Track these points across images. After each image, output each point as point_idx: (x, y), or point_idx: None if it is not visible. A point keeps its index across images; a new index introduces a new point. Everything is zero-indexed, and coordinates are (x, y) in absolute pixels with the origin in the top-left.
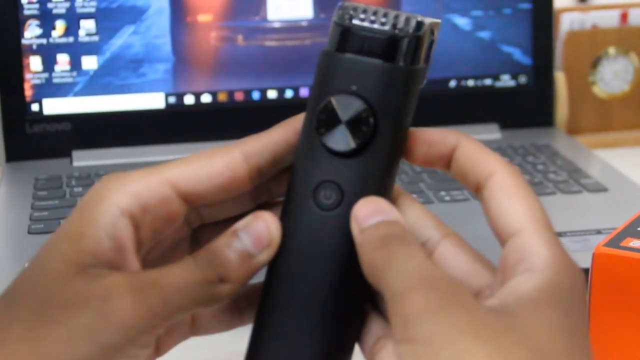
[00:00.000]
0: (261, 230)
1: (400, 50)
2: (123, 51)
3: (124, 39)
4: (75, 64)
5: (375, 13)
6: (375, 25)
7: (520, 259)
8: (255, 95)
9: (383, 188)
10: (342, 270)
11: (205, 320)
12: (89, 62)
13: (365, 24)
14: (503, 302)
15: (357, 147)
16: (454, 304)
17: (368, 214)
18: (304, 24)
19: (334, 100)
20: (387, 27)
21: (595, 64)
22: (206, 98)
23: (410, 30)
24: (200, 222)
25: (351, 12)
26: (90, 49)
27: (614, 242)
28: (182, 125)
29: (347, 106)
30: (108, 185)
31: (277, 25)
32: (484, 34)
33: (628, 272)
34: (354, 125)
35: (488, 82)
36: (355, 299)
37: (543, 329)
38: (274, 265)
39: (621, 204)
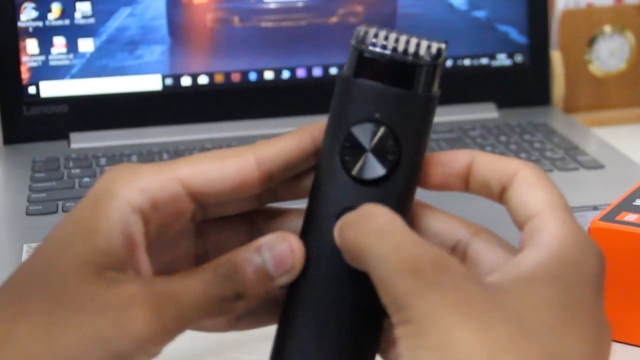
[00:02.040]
0: (285, 253)
1: (421, 78)
2: (119, 33)
3: (120, 21)
4: (72, 47)
5: (393, 38)
6: (395, 52)
7: (531, 236)
8: (252, 77)
9: (404, 211)
10: (365, 293)
11: (203, 322)
12: (86, 45)
13: (385, 50)
14: (502, 277)
15: (385, 174)
16: (441, 283)
17: (344, 217)
18: (300, 4)
19: (358, 129)
20: (407, 55)
21: (591, 42)
22: (203, 79)
23: (430, 58)
24: (204, 216)
25: (369, 36)
26: (87, 31)
27: (610, 217)
28: (179, 107)
29: (372, 134)
30: (118, 179)
31: (273, 6)
32: (480, 14)
33: (624, 246)
34: (380, 153)
35: (484, 61)
36: (377, 317)
37: (533, 305)
38: (296, 286)
39: (617, 181)
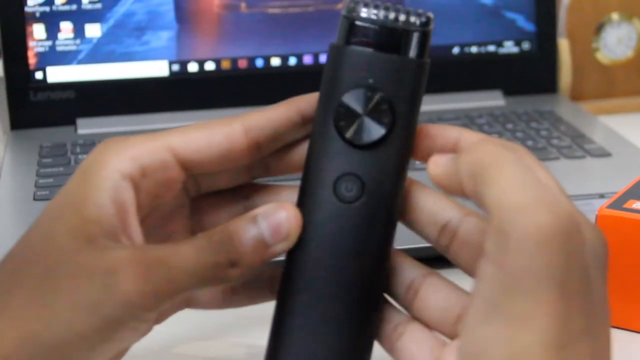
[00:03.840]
0: (281, 221)
1: (413, 44)
2: (126, 19)
3: (127, 6)
4: (79, 32)
5: (383, 7)
6: (386, 20)
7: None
8: (259, 63)
9: (401, 179)
10: (364, 261)
11: (199, 297)
12: (93, 30)
13: (375, 18)
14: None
15: (382, 137)
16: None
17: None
18: None
19: (352, 94)
20: (398, 22)
21: (598, 30)
22: (210, 66)
23: (420, 25)
24: (198, 191)
25: (360, 6)
26: (94, 16)
27: (617, 204)
28: (186, 93)
29: (367, 99)
30: (107, 149)
31: None
32: (487, 0)
33: (631, 233)
34: (376, 116)
35: (491, 48)
36: (377, 289)
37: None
38: (294, 255)
39: (624, 169)
